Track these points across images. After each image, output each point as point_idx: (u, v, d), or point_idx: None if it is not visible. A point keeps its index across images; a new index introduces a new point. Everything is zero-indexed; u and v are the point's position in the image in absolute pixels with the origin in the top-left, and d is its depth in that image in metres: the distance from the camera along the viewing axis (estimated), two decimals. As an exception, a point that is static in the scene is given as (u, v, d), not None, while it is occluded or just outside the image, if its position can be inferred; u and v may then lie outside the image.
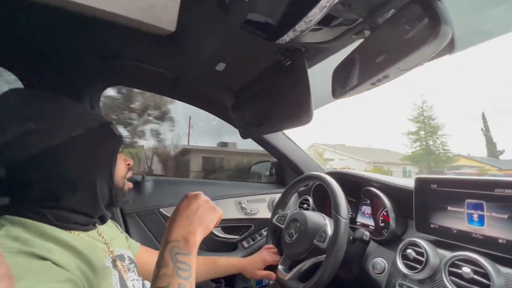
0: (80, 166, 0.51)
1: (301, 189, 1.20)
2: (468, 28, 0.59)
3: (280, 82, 0.74)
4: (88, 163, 0.52)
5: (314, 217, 0.84)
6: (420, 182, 0.72)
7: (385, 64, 0.46)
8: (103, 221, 0.60)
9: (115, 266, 0.56)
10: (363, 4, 0.45)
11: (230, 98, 1.01)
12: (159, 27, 0.72)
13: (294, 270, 0.80)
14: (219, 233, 1.22)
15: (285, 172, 1.39)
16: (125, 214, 1.07)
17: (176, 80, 0.95)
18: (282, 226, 0.92)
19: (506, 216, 0.54)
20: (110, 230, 0.67)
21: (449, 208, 0.65)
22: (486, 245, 0.57)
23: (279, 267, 0.86)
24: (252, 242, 1.25)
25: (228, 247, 1.23)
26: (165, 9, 0.66)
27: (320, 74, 0.71)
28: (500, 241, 0.55)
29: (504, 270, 0.53)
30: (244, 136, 1.02)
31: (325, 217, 0.84)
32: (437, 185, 0.68)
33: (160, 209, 1.13)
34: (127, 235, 0.76)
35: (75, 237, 0.51)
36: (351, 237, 0.83)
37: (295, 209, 1.18)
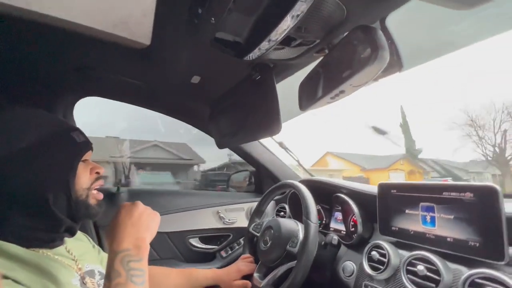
0: (28, 181, 0.47)
1: (277, 197, 1.24)
2: (415, 48, 0.66)
3: (251, 95, 0.78)
4: (37, 178, 0.48)
5: (288, 223, 0.87)
6: (382, 187, 0.78)
7: (340, 80, 0.51)
8: (71, 233, 0.57)
9: (83, 283, 0.54)
10: (317, 28, 0.50)
11: (206, 109, 1.04)
12: (133, 41, 0.74)
13: (269, 276, 0.82)
14: (197, 243, 1.22)
15: (263, 181, 1.41)
16: (98, 227, 1.05)
17: (152, 92, 0.96)
18: (258, 235, 0.94)
19: (452, 217, 0.60)
20: (81, 245, 0.64)
21: (406, 211, 0.70)
22: (437, 244, 0.62)
23: (255, 274, 0.87)
24: (230, 252, 1.25)
25: (206, 257, 1.23)
26: (139, 24, 0.68)
27: (289, 89, 0.77)
28: (448, 239, 0.60)
29: (453, 266, 0.58)
30: (220, 146, 1.04)
31: (298, 223, 0.87)
32: (397, 190, 0.73)
33: (136, 221, 1.11)
34: (100, 248, 0.74)
35: (38, 256, 0.48)
36: (322, 242, 0.87)
37: (273, 217, 1.21)
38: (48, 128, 0.51)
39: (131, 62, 0.81)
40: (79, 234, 0.67)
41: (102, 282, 0.59)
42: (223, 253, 1.24)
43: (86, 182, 0.56)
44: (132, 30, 0.70)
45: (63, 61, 0.80)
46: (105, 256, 0.73)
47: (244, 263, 0.93)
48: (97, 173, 0.59)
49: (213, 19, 0.48)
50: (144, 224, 0.50)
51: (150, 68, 0.84)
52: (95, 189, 0.59)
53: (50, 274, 0.47)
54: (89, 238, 0.72)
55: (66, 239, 0.59)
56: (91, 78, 0.88)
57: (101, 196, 0.60)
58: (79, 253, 0.59)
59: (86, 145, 0.57)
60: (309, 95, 0.65)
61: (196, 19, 0.52)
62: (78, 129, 0.57)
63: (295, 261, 0.77)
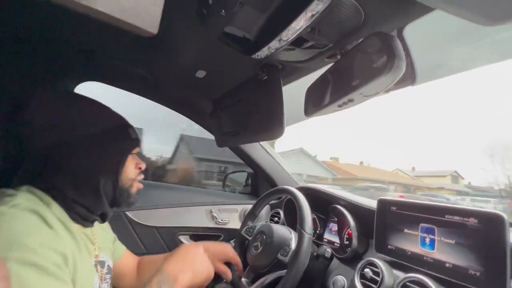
0: (87, 162, 0.53)
1: (273, 202, 1.21)
2: (430, 63, 0.64)
3: (256, 95, 0.75)
4: (94, 161, 0.54)
5: (281, 230, 0.84)
6: (382, 203, 0.75)
7: (350, 88, 0.49)
8: (104, 218, 0.61)
9: (96, 270, 0.57)
10: (332, 31, 0.47)
11: (209, 105, 1.01)
12: (140, 28, 0.70)
13: (257, 283, 0.79)
14: (187, 241, 1.19)
15: (260, 184, 1.39)
16: None
17: (156, 82, 0.94)
18: (250, 238, 0.91)
19: (453, 242, 0.58)
20: (103, 235, 0.68)
21: (405, 230, 0.67)
22: (435, 268, 0.59)
23: (243, 280, 0.85)
24: (220, 253, 1.22)
25: (194, 257, 1.20)
26: (148, 11, 0.65)
27: (296, 93, 0.74)
28: (447, 265, 0.58)
29: (449, 293, 0.55)
30: (219, 144, 1.02)
31: (292, 231, 0.85)
32: (397, 208, 0.71)
33: (126, 213, 1.09)
34: (115, 236, 0.76)
35: (74, 227, 0.53)
36: (315, 253, 0.84)
37: (266, 221, 1.18)
38: (112, 122, 0.59)
39: (136, 50, 0.79)
40: (106, 223, 0.69)
41: (107, 277, 0.63)
42: (212, 254, 1.21)
43: (132, 173, 0.62)
44: (140, 17, 0.67)
45: (66, 42, 0.78)
46: (118, 246, 0.77)
47: (233, 251, 0.83)
48: (140, 168, 0.64)
49: (223, 11, 0.46)
50: (192, 263, 0.58)
51: (155, 58, 0.82)
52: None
53: (81, 247, 0.52)
54: (109, 227, 0.75)
55: (96, 224, 0.62)
56: (94, 62, 0.86)
57: (141, 186, 0.65)
58: (100, 241, 0.63)
59: (137, 141, 0.63)
60: (315, 101, 0.62)
61: (206, 9, 0.49)
62: (132, 127, 0.63)
63: (285, 270, 0.75)
